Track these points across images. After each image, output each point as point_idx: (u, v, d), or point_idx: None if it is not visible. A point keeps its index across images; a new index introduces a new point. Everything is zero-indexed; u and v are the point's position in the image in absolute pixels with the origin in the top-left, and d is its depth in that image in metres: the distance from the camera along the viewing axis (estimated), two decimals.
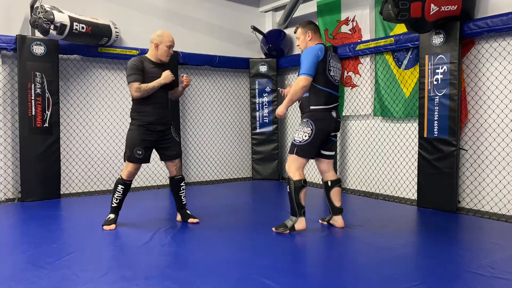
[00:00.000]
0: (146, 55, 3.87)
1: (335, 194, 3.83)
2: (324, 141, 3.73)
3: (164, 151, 3.94)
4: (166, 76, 3.78)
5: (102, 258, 3.09)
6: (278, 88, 3.88)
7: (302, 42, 3.77)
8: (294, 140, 3.66)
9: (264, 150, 6.84)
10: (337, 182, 3.85)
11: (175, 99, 4.21)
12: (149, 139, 3.81)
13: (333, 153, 3.87)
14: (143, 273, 2.73)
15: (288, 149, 3.74)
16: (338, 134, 5.29)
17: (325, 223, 3.98)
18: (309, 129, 3.59)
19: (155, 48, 3.80)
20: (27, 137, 5.06)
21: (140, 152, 3.78)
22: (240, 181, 6.87)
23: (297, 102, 3.77)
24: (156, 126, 3.83)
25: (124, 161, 3.85)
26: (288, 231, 3.63)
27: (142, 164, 3.93)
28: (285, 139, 7.07)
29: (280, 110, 3.58)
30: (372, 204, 5.00)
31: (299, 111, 3.77)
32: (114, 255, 3.23)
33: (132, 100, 3.84)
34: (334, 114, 3.69)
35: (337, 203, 3.85)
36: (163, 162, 4.09)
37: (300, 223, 3.64)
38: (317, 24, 3.81)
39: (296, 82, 3.54)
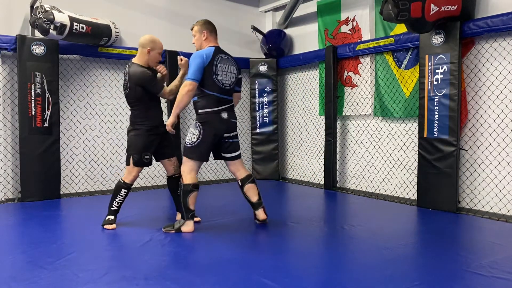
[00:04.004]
0: (134, 60, 3.86)
1: (249, 190, 3.85)
2: (219, 144, 3.76)
3: (162, 150, 3.98)
4: (186, 63, 3.83)
5: (102, 258, 3.09)
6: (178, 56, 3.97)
7: (197, 41, 3.79)
8: (185, 142, 3.70)
9: (264, 150, 6.83)
10: (248, 178, 3.86)
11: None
12: (155, 142, 3.87)
13: (235, 154, 3.86)
14: (143, 273, 2.73)
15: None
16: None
17: (258, 222, 3.97)
18: (197, 131, 3.62)
19: (148, 54, 3.82)
20: (27, 137, 5.06)
21: (148, 157, 3.83)
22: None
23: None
24: (160, 129, 3.90)
25: (128, 165, 3.84)
26: (174, 231, 3.67)
27: (150, 166, 4.00)
28: (285, 139, 7.07)
29: (170, 121, 3.60)
30: (372, 204, 5.00)
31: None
32: (114, 255, 3.23)
33: (134, 107, 3.84)
34: (224, 115, 3.69)
35: (253, 198, 3.86)
36: (159, 162, 4.10)
37: (187, 226, 3.66)
38: (214, 25, 3.84)
39: (181, 88, 3.58)
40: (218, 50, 3.70)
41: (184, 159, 3.69)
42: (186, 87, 3.54)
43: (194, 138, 3.63)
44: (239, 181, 3.89)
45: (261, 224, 3.96)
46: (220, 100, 3.68)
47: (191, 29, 3.84)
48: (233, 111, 3.81)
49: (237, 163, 3.89)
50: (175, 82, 3.89)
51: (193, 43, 3.83)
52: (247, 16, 7.07)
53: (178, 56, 3.99)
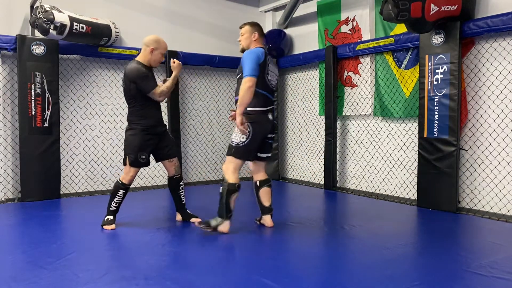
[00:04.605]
0: (137, 59, 3.85)
1: (264, 193, 3.85)
2: (262, 144, 3.74)
3: (162, 150, 3.95)
4: (179, 67, 3.86)
5: (102, 258, 3.10)
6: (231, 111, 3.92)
7: (246, 40, 3.76)
8: (232, 142, 3.64)
9: None
10: (266, 182, 3.86)
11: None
12: (152, 142, 3.84)
13: (269, 154, 3.88)
14: (143, 273, 2.73)
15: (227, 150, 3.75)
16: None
17: (258, 222, 4.00)
18: (247, 131, 3.58)
19: (150, 53, 3.80)
20: (27, 137, 5.06)
21: (144, 157, 3.80)
22: (240, 181, 6.85)
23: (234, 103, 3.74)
24: (157, 129, 3.86)
25: (124, 165, 3.84)
26: (210, 230, 3.61)
27: (147, 166, 3.97)
28: (285, 139, 7.06)
29: (237, 122, 3.53)
30: (372, 204, 5.00)
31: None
32: (114, 255, 3.23)
33: (130, 105, 3.83)
34: (270, 116, 3.70)
35: (266, 202, 3.86)
36: (159, 163, 4.09)
37: (225, 226, 3.61)
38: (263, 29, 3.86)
39: (243, 84, 3.52)
40: (266, 52, 3.71)
41: (230, 158, 3.64)
42: (246, 84, 3.49)
43: (243, 138, 3.58)
44: (257, 182, 3.87)
45: (261, 224, 3.96)
46: (268, 99, 3.68)
47: (240, 28, 3.83)
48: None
49: (263, 164, 3.89)
50: (167, 83, 3.83)
51: (239, 41, 3.81)
52: (247, 16, 7.06)
53: (171, 59, 3.97)
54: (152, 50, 3.79)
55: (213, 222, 3.62)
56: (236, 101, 3.71)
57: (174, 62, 3.91)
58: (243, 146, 3.59)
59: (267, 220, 3.89)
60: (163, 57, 3.90)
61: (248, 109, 3.60)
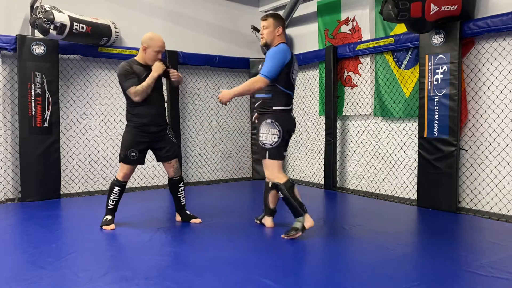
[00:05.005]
0: (135, 57, 3.84)
1: (272, 195, 3.83)
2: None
3: (159, 151, 3.92)
4: (157, 67, 3.75)
5: (102, 258, 3.10)
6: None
7: (269, 35, 3.56)
8: (264, 144, 3.52)
9: None
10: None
11: (177, 85, 4.22)
12: (143, 140, 3.80)
13: (286, 152, 3.85)
14: (143, 273, 2.73)
15: (259, 154, 3.62)
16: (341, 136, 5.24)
17: (258, 222, 3.99)
18: (277, 130, 3.51)
19: (143, 51, 3.77)
20: (27, 137, 5.06)
21: (134, 154, 3.77)
22: (240, 181, 6.87)
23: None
24: (150, 128, 3.81)
25: (119, 162, 3.85)
26: (300, 233, 3.49)
27: (141, 165, 3.94)
28: None
29: (225, 97, 3.45)
30: (372, 204, 5.00)
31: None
32: (114, 255, 3.23)
33: (127, 102, 3.83)
34: (293, 114, 3.69)
35: (271, 204, 3.86)
36: (160, 163, 4.07)
37: (308, 221, 3.49)
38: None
39: (254, 81, 3.42)
40: (291, 50, 3.60)
41: (268, 162, 3.51)
42: (259, 83, 3.41)
43: (275, 138, 3.50)
44: (269, 183, 3.78)
45: (261, 224, 3.96)
46: (290, 98, 3.62)
47: (263, 19, 3.60)
48: None
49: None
50: (144, 83, 3.70)
51: (261, 34, 3.62)
52: (247, 16, 7.07)
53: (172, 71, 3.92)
54: (144, 48, 3.76)
55: (298, 225, 3.49)
56: (256, 99, 3.66)
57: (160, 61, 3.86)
58: (276, 147, 3.51)
59: (268, 221, 3.89)
60: (158, 55, 3.79)
61: (274, 108, 3.53)
